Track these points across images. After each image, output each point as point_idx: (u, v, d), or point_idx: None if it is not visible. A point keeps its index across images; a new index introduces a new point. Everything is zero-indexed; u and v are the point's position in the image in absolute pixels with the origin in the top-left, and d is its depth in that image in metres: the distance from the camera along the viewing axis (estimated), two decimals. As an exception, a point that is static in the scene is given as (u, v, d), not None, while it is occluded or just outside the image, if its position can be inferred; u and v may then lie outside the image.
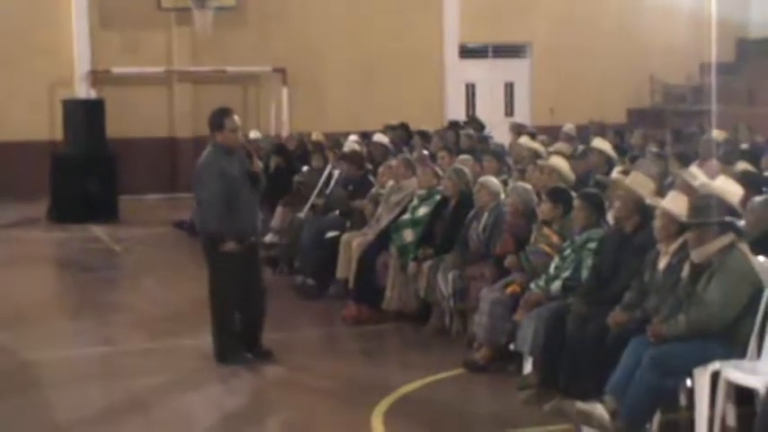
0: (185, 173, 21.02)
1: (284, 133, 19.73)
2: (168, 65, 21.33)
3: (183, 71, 21.40)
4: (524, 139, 14.00)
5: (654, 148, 12.65)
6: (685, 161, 11.12)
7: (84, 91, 20.53)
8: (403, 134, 16.54)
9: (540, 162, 10.87)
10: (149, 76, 21.16)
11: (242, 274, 8.97)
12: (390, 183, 11.58)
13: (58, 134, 19.23)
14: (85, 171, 17.82)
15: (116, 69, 20.69)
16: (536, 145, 13.02)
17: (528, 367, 8.24)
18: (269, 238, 13.70)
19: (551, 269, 8.28)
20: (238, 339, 9.15)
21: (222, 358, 9.04)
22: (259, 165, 9.20)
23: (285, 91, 21.68)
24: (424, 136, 16.00)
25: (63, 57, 20.65)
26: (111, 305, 12.15)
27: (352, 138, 15.02)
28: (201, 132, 21.19)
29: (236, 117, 9.07)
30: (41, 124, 20.46)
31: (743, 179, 8.29)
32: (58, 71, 20.62)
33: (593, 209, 8.20)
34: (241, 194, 8.91)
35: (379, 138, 14.77)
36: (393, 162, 11.95)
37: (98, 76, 20.68)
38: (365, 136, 15.67)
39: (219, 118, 9.02)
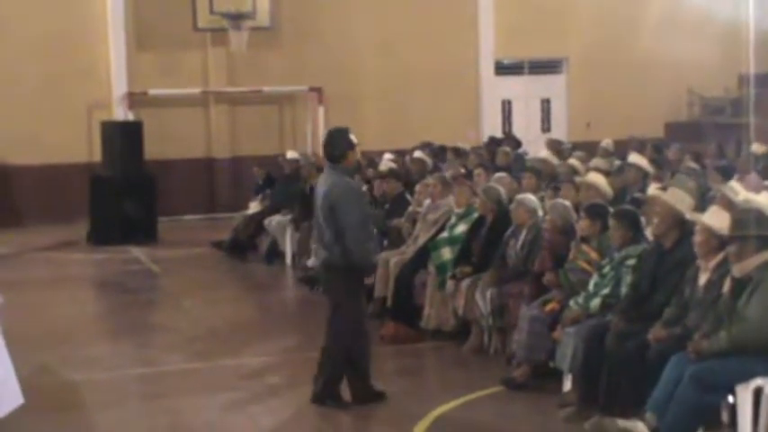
0: (223, 193, 21.24)
1: (321, 153, 19.75)
2: (204, 86, 21.45)
3: (220, 92, 21.52)
4: (545, 153, 14.01)
5: (690, 163, 12.57)
6: (726, 175, 11.05)
7: (121, 113, 20.67)
8: (438, 152, 16.55)
9: (577, 179, 10.85)
10: (186, 97, 21.29)
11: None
12: (427, 201, 11.58)
13: (97, 156, 19.36)
14: (124, 193, 17.92)
15: (153, 91, 20.82)
16: (556, 160, 13.18)
17: (567, 385, 8.21)
18: (311, 261, 13.71)
19: (590, 286, 8.23)
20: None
21: (322, 401, 8.46)
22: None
23: (321, 110, 21.75)
24: (458, 152, 16.02)
25: (100, 79, 20.80)
26: (151, 326, 12.23)
27: (388, 156, 15.05)
28: (239, 152, 21.52)
29: None
30: (80, 146, 20.60)
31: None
32: (96, 93, 20.75)
33: (629, 226, 8.14)
34: (371, 221, 8.47)
35: (419, 154, 14.80)
36: (429, 180, 11.95)
37: (135, 98, 20.83)
38: (400, 154, 15.70)
39: (349, 135, 8.34)
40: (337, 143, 8.32)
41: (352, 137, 8.34)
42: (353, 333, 8.39)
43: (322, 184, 8.39)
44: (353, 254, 8.15)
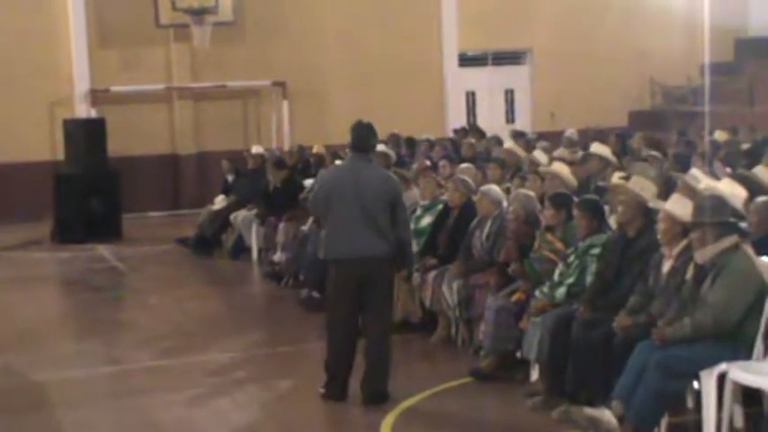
0: (188, 189, 21.16)
1: (285, 147, 19.75)
2: (168, 81, 21.33)
3: (183, 87, 21.41)
4: (510, 144, 14.10)
5: (652, 152, 12.65)
6: (686, 164, 11.13)
7: (84, 110, 20.54)
8: (405, 144, 16.63)
9: (541, 168, 10.89)
10: (149, 93, 21.17)
11: None
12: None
13: (60, 154, 19.25)
14: (88, 190, 17.82)
15: (115, 88, 20.69)
16: (520, 151, 13.23)
17: (535, 374, 8.24)
18: (277, 256, 13.71)
19: (556, 276, 8.26)
20: None
21: (384, 398, 8.25)
22: None
23: (285, 104, 21.69)
24: (410, 144, 16.22)
25: (62, 76, 20.66)
26: (118, 324, 12.17)
27: (353, 149, 14.99)
28: (203, 148, 21.44)
29: None
30: (43, 144, 20.46)
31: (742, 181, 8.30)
32: (58, 91, 20.62)
33: (593, 215, 8.18)
34: None
35: (383, 148, 14.79)
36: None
37: (98, 95, 20.70)
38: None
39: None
40: (371, 134, 8.28)
41: None
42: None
43: (357, 174, 8.14)
44: (409, 244, 8.35)
